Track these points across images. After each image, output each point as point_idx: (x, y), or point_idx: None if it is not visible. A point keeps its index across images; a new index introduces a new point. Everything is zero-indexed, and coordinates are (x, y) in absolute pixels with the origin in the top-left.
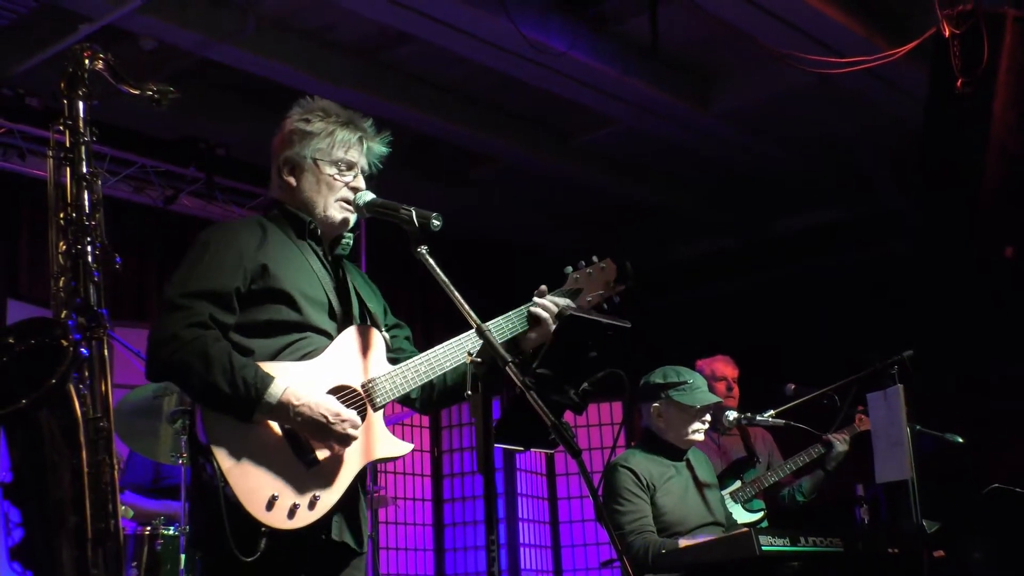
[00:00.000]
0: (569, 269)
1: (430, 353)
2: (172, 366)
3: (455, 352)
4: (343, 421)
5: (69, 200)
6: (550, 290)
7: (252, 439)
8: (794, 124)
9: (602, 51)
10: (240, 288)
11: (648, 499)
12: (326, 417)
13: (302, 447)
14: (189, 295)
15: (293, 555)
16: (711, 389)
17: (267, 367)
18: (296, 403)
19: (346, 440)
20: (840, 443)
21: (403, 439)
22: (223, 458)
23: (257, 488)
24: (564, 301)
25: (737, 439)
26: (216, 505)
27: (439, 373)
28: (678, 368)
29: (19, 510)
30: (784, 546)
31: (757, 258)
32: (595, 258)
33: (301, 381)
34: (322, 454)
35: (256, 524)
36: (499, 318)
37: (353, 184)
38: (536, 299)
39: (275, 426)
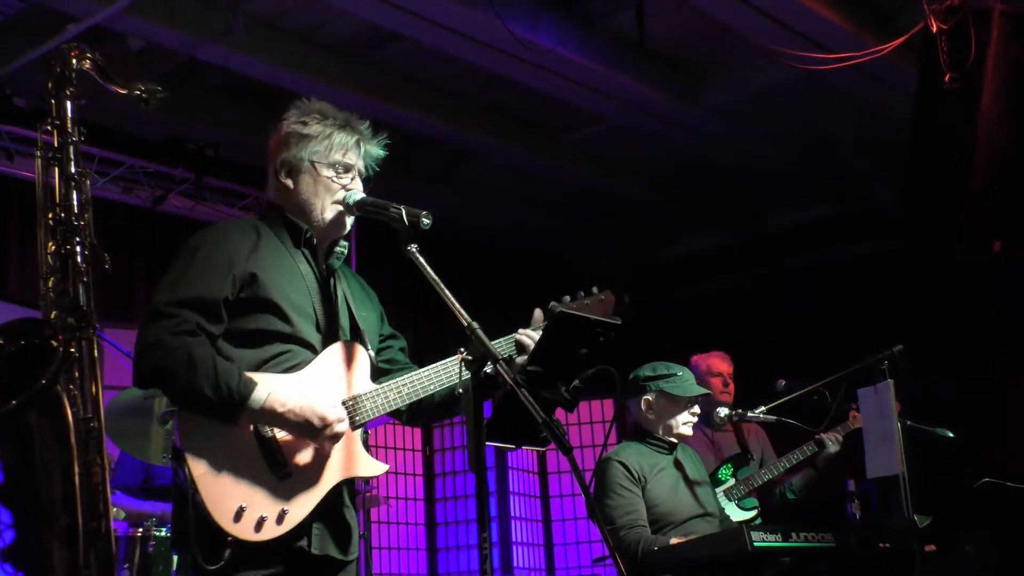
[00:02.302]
0: (567, 299)
1: (415, 374)
2: (157, 372)
3: (440, 375)
4: (327, 425)
5: (58, 200)
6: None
7: (227, 449)
8: (783, 121)
9: (590, 48)
10: (228, 297)
11: (640, 492)
12: (311, 423)
13: (276, 460)
14: (176, 303)
15: (267, 568)
16: (707, 385)
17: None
18: (280, 409)
19: (336, 439)
20: (832, 443)
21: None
22: (195, 465)
23: (226, 498)
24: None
25: (731, 435)
26: (186, 510)
27: (423, 395)
28: (666, 362)
29: (10, 511)
30: (776, 542)
31: (747, 255)
32: (595, 289)
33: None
34: (300, 461)
35: (221, 533)
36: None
37: (350, 186)
38: (520, 330)
39: (251, 438)
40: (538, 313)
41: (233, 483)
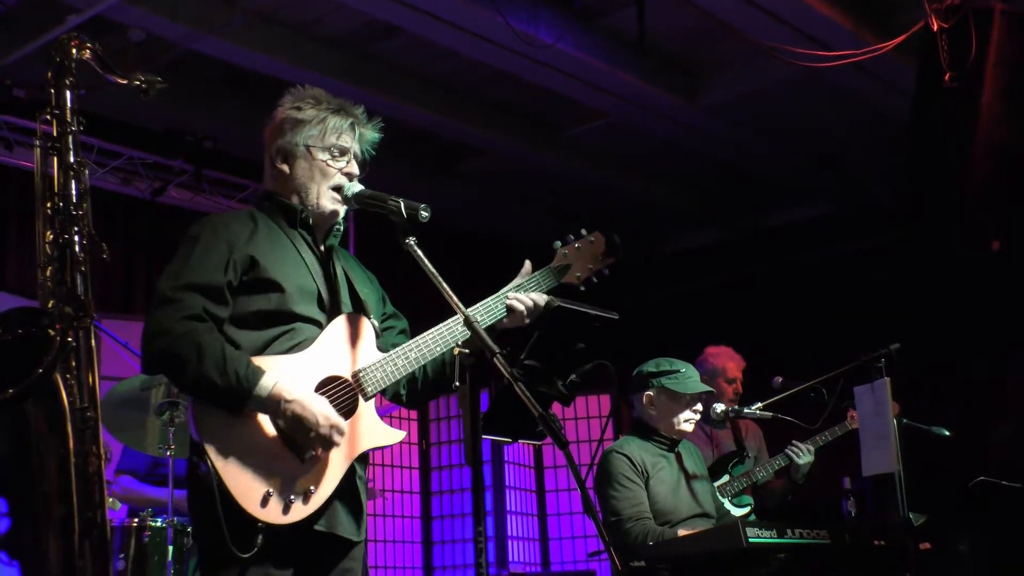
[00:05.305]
0: (558, 244)
1: (419, 339)
2: (165, 358)
3: (444, 337)
4: (331, 427)
5: (56, 190)
6: (540, 267)
7: (244, 434)
8: (782, 118)
9: (590, 44)
10: (232, 281)
11: (643, 485)
12: (316, 419)
13: (295, 441)
14: (181, 288)
15: (289, 548)
16: (716, 383)
17: (257, 361)
18: (287, 398)
19: (328, 446)
20: (800, 454)
21: None
22: (216, 455)
23: (251, 484)
24: (543, 298)
25: (730, 432)
26: (212, 502)
27: (430, 359)
28: (670, 359)
29: (5, 500)
30: (771, 538)
31: (746, 252)
32: (584, 231)
33: (291, 375)
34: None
35: (252, 520)
36: (484, 302)
37: (347, 170)
38: (511, 294)
39: (267, 421)
40: (527, 266)
41: (256, 469)
